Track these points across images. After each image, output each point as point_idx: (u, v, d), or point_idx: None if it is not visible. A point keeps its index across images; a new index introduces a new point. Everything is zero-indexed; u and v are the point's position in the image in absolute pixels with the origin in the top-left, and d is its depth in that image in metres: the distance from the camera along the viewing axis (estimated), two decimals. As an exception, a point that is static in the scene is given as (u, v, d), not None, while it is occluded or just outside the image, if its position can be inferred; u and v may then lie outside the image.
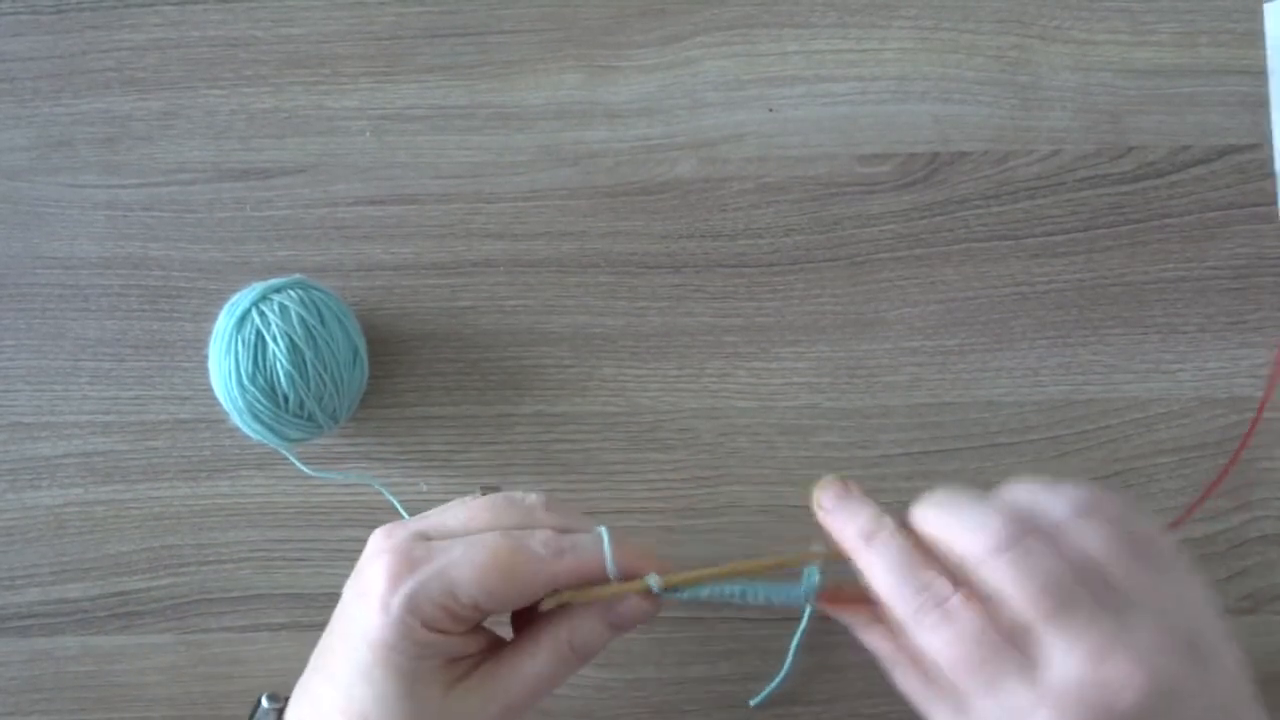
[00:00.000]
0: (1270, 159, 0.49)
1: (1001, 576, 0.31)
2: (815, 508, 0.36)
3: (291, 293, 0.45)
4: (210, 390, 0.46)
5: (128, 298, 0.50)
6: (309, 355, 0.44)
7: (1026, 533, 0.32)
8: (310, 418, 0.45)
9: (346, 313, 0.46)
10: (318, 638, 0.49)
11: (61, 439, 0.49)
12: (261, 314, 0.44)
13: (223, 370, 0.44)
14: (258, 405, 0.44)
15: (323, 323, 0.45)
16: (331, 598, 0.49)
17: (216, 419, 0.49)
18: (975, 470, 0.48)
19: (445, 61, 0.50)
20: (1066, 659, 0.30)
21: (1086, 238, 0.49)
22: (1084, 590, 0.30)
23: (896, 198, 0.49)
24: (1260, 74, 0.49)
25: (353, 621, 0.36)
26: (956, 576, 0.32)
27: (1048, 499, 0.33)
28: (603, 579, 0.37)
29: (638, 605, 0.38)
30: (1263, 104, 0.49)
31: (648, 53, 0.50)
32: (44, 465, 0.49)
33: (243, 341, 0.44)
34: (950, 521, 0.33)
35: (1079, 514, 0.32)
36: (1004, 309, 0.49)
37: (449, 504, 0.40)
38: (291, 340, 0.44)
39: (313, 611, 0.49)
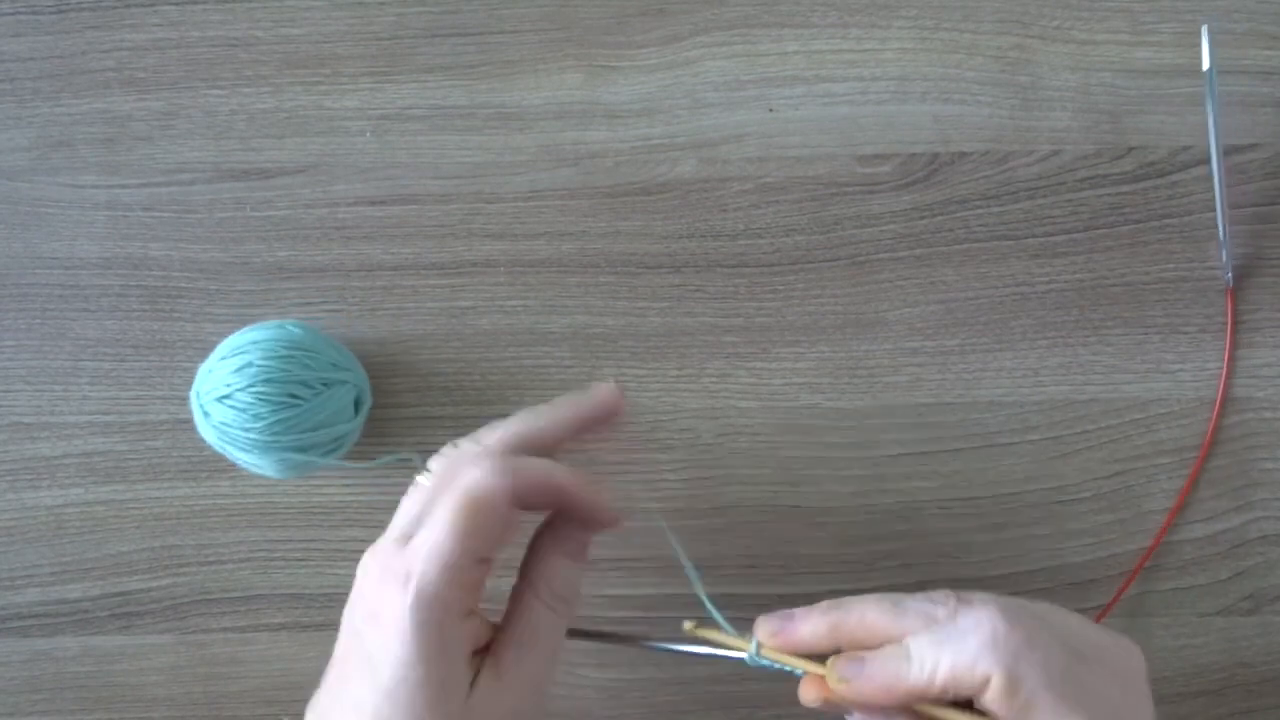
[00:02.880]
0: (1212, 182, 0.49)
1: None
2: (832, 683, 0.37)
3: (230, 361, 0.44)
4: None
5: (128, 298, 0.50)
6: (294, 369, 0.43)
7: None
8: (358, 401, 0.45)
9: (283, 323, 0.46)
10: (317, 638, 0.49)
11: (61, 439, 0.49)
12: (228, 384, 0.43)
13: (255, 443, 0.43)
14: (307, 435, 0.43)
15: (280, 344, 0.44)
16: (331, 598, 0.50)
17: (216, 419, 0.49)
18: (975, 470, 0.48)
19: (445, 61, 0.50)
20: None
21: (1087, 238, 0.49)
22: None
23: (896, 198, 0.49)
24: (1260, 74, 0.49)
25: (370, 647, 0.35)
26: None
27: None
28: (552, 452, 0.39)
29: (594, 523, 0.40)
30: (1264, 104, 0.49)
31: (648, 53, 0.50)
32: (44, 465, 0.49)
33: (249, 415, 0.43)
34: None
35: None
36: (1004, 309, 0.49)
37: (401, 504, 0.39)
38: (271, 376, 0.43)
39: (313, 611, 0.49)
